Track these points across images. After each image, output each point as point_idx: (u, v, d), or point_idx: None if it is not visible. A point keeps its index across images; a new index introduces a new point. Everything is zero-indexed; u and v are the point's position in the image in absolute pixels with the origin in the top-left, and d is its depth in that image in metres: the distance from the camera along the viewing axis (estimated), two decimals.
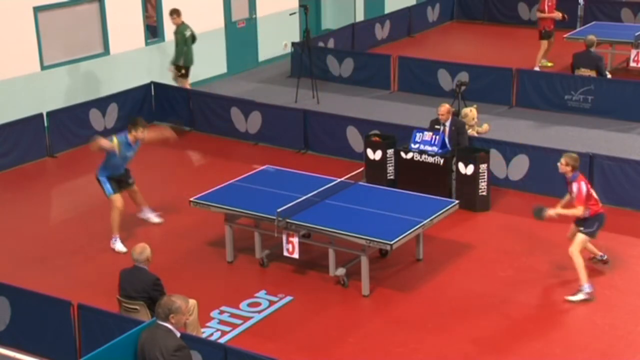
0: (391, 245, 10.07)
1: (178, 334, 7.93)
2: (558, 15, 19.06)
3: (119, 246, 11.81)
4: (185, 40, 16.59)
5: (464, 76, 17.21)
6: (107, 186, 11.82)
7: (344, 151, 14.88)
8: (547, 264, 11.17)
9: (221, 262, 11.47)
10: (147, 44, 18.08)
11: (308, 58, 18.12)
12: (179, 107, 16.72)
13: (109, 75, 17.35)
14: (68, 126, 15.47)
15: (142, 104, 16.63)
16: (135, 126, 11.74)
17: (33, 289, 9.55)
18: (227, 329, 9.90)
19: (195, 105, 16.54)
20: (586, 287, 10.26)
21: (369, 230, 10.29)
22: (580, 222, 10.40)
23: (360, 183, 11.87)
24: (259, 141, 15.84)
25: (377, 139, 13.61)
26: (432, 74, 18.00)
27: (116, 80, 17.22)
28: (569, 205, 10.42)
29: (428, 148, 12.92)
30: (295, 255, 10.71)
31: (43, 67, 16.31)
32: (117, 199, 11.83)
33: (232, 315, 10.19)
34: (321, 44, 20.12)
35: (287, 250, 10.71)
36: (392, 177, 13.36)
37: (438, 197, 11.49)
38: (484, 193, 12.74)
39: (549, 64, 19.56)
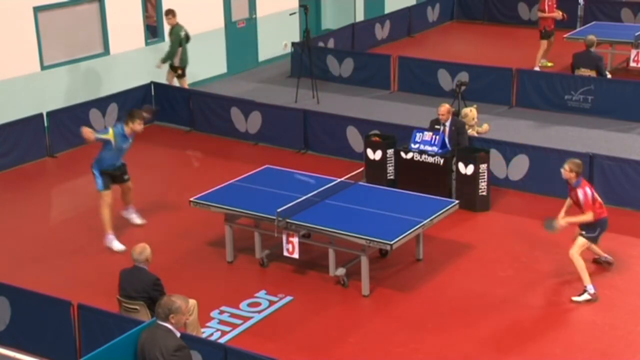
0: (391, 245, 10.07)
1: (178, 334, 7.93)
2: (558, 14, 19.07)
3: (115, 245, 11.77)
4: (180, 41, 16.61)
5: (464, 76, 17.21)
6: (100, 181, 11.78)
7: (344, 151, 14.88)
8: (547, 264, 11.18)
9: (221, 262, 11.47)
10: (147, 44, 18.08)
11: (308, 58, 18.12)
12: (179, 107, 16.72)
13: (109, 75, 17.35)
14: (68, 126, 15.46)
15: (142, 104, 16.57)
16: (133, 118, 11.73)
17: (33, 289, 9.55)
18: (227, 329, 9.90)
19: (195, 105, 16.54)
20: (590, 288, 10.28)
21: (369, 230, 10.29)
22: (583, 225, 10.41)
23: (360, 183, 11.87)
24: (259, 141, 15.84)
25: (377, 139, 13.60)
26: (432, 74, 18.00)
27: (116, 80, 17.22)
28: (577, 211, 10.45)
29: (428, 148, 12.92)
30: (295, 255, 10.71)
31: (43, 67, 16.31)
32: (107, 195, 11.79)
33: (232, 315, 10.19)
34: (321, 44, 20.12)
35: (287, 250, 10.71)
36: (392, 177, 13.36)
37: (438, 197, 11.49)
38: (484, 193, 12.74)
39: (549, 64, 19.56)
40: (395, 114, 16.51)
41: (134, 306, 9.01)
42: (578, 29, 20.39)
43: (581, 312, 10.13)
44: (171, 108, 16.81)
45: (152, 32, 18.34)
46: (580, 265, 10.29)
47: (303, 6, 18.52)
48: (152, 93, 16.98)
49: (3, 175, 14.59)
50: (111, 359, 7.86)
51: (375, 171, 13.26)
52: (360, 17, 23.36)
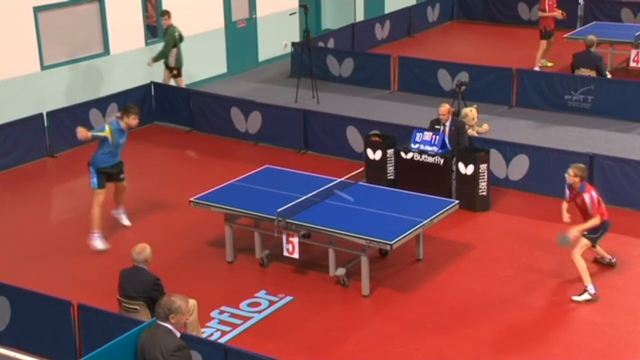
0: (391, 245, 10.07)
1: (178, 334, 7.93)
2: (559, 13, 19.07)
3: (98, 243, 11.77)
4: (174, 42, 16.62)
5: (464, 76, 17.21)
6: (95, 179, 11.80)
7: (344, 151, 14.88)
8: (547, 263, 11.18)
9: (221, 262, 11.47)
10: (147, 44, 18.08)
11: (308, 58, 18.12)
12: (179, 107, 16.73)
13: (109, 75, 17.35)
14: (68, 126, 15.45)
15: (142, 104, 16.60)
16: (128, 113, 11.75)
17: (33, 289, 9.55)
18: (227, 329, 9.90)
19: (195, 105, 16.54)
20: (590, 288, 10.28)
21: (369, 230, 10.29)
22: None
23: (360, 183, 11.86)
24: (259, 141, 15.84)
25: (377, 139, 13.60)
26: (432, 74, 18.00)
27: (116, 80, 17.22)
28: (579, 214, 10.50)
29: (428, 148, 12.92)
30: (295, 255, 10.71)
31: (43, 67, 16.31)
32: (101, 194, 11.82)
33: (232, 315, 10.19)
34: (321, 44, 20.12)
35: (287, 250, 10.71)
36: (392, 177, 13.36)
37: (438, 197, 11.48)
38: (484, 193, 12.74)
39: (549, 64, 19.56)
40: (395, 114, 16.51)
41: (134, 306, 9.01)
42: (578, 29, 20.39)
43: (581, 312, 10.13)
44: (171, 108, 16.82)
45: (152, 32, 18.35)
46: (582, 266, 10.31)
47: (303, 6, 18.52)
48: (152, 93, 16.98)
49: (3, 175, 14.59)
50: (111, 359, 7.86)
51: (375, 171, 13.26)
52: (360, 17, 23.37)
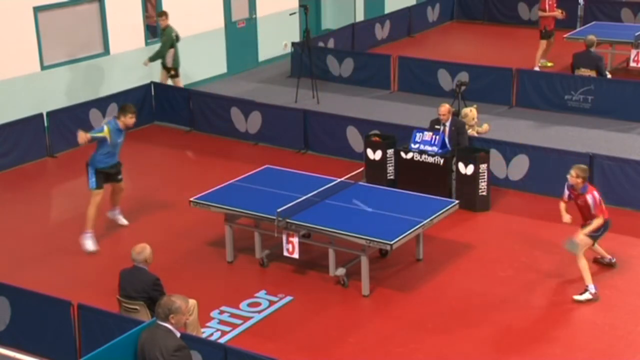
0: (391, 245, 10.07)
1: (178, 334, 7.93)
2: (559, 13, 19.07)
3: (88, 243, 11.77)
4: (171, 42, 16.62)
5: (464, 76, 17.21)
6: (93, 179, 11.82)
7: (344, 151, 14.88)
8: (547, 263, 11.18)
9: (221, 262, 11.46)
10: (147, 44, 18.07)
11: (308, 58, 18.12)
12: (179, 107, 16.72)
13: (109, 75, 17.35)
14: (68, 126, 15.45)
15: (142, 104, 16.61)
16: (124, 112, 11.78)
17: (33, 289, 9.55)
18: (227, 329, 9.90)
19: (195, 105, 16.54)
20: (591, 288, 10.29)
21: (369, 230, 10.29)
22: (587, 225, 10.44)
23: (360, 183, 11.86)
24: (259, 141, 15.84)
25: (377, 139, 13.60)
26: (432, 74, 18.00)
27: (116, 80, 17.22)
28: (580, 215, 10.52)
29: (428, 148, 12.92)
30: (295, 255, 10.71)
31: (43, 67, 16.31)
32: (98, 194, 11.83)
33: (232, 315, 10.19)
34: (321, 44, 20.12)
35: (287, 250, 10.71)
36: (392, 177, 13.36)
37: (438, 197, 11.48)
38: (484, 193, 12.74)
39: (549, 64, 19.56)
40: (395, 114, 16.51)
41: (134, 306, 9.01)
42: (578, 29, 20.39)
43: (581, 312, 10.13)
44: (171, 108, 16.81)
45: (152, 32, 18.34)
46: (583, 265, 10.32)
47: (303, 6, 18.52)
48: (152, 93, 16.98)
49: (3, 175, 14.59)
50: (111, 359, 7.86)
51: (375, 171, 13.26)
52: (360, 17, 23.36)
